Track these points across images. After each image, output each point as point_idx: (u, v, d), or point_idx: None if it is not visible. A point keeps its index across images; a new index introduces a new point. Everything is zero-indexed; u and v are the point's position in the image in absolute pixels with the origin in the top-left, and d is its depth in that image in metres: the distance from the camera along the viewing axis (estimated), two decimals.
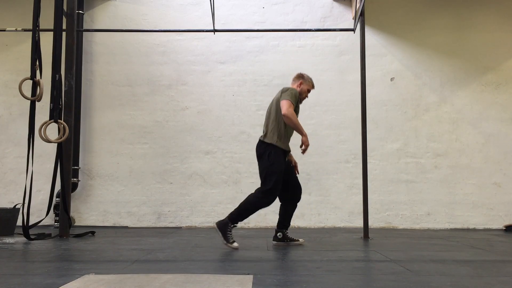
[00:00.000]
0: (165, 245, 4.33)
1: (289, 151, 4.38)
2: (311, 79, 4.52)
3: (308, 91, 4.50)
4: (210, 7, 6.12)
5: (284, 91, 4.27)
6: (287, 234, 4.43)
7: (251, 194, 4.16)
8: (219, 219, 4.18)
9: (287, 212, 4.42)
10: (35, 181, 5.46)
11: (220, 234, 4.07)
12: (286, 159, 4.35)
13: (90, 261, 3.38)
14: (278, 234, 4.40)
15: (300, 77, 4.49)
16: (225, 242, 4.05)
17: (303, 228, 6.39)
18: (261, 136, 4.30)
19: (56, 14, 4.96)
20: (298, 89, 4.41)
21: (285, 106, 4.13)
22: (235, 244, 4.04)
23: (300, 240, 4.48)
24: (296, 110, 4.26)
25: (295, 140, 4.42)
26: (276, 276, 2.76)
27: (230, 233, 4.08)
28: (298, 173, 4.50)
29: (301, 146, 4.24)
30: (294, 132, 4.32)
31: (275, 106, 4.29)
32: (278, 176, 4.12)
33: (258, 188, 4.17)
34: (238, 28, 6.58)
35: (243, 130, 6.66)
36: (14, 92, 5.88)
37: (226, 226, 4.07)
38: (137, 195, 6.59)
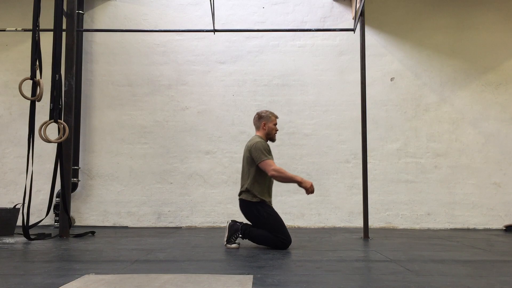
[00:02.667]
0: (165, 245, 4.33)
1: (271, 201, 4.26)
2: (270, 112, 4.33)
3: (275, 124, 4.32)
4: (210, 7, 6.12)
5: (251, 150, 4.11)
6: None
7: (273, 236, 4.04)
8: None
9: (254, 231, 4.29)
10: (35, 181, 5.47)
11: (227, 233, 4.11)
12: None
13: (90, 261, 3.38)
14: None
15: (260, 118, 4.30)
16: (226, 242, 4.08)
17: (303, 228, 6.39)
18: (239, 194, 4.21)
19: (56, 14, 4.96)
20: (265, 130, 4.27)
21: (268, 167, 4.01)
22: (234, 245, 4.08)
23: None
24: (271, 155, 4.15)
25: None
26: (276, 276, 2.76)
27: (235, 238, 4.11)
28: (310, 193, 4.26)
29: (308, 193, 4.08)
30: None
31: (245, 162, 4.18)
32: (281, 224, 4.07)
33: (273, 234, 4.06)
34: (238, 28, 6.59)
35: (243, 130, 6.66)
36: (14, 92, 5.88)
37: (236, 231, 4.10)
38: (137, 195, 6.60)
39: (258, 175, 4.12)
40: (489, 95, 6.71)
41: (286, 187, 6.24)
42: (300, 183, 4.03)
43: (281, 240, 4.02)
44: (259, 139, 4.21)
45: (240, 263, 3.26)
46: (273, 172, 4.01)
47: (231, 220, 4.24)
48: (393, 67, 6.77)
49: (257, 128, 4.35)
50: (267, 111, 4.36)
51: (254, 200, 4.10)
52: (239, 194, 4.25)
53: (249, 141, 4.29)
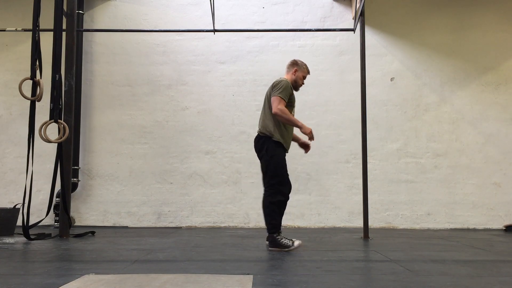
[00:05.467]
0: (165, 245, 4.33)
1: (288, 147, 4.24)
2: (306, 65, 4.38)
3: (304, 77, 4.37)
4: (210, 7, 6.12)
5: (274, 85, 4.15)
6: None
7: (265, 200, 4.03)
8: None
9: None
10: (35, 181, 5.46)
11: (279, 249, 3.90)
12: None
13: (90, 261, 3.38)
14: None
15: (294, 64, 4.35)
16: (287, 250, 3.89)
17: (303, 228, 6.39)
18: (261, 131, 4.19)
19: (56, 14, 4.95)
20: (294, 76, 4.30)
21: (274, 104, 4.04)
22: (297, 242, 3.92)
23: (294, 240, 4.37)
24: (292, 100, 4.18)
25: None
26: (276, 276, 2.76)
27: (282, 239, 3.94)
28: (309, 148, 4.36)
29: (309, 139, 4.14)
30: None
31: (267, 100, 4.20)
32: (282, 167, 4.05)
33: (265, 191, 4.06)
34: (238, 28, 6.58)
35: (243, 130, 6.66)
36: (14, 92, 5.87)
37: (275, 239, 3.94)
38: (137, 195, 6.60)
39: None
40: (489, 95, 6.71)
41: None
42: (300, 128, 4.09)
43: (278, 200, 3.95)
44: (285, 79, 4.23)
45: (240, 263, 3.26)
46: (277, 110, 4.02)
47: (267, 245, 4.06)
48: (393, 67, 6.77)
49: (287, 72, 4.38)
50: (303, 62, 4.40)
51: (273, 138, 4.07)
52: (259, 131, 4.21)
53: (275, 80, 4.28)
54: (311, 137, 4.13)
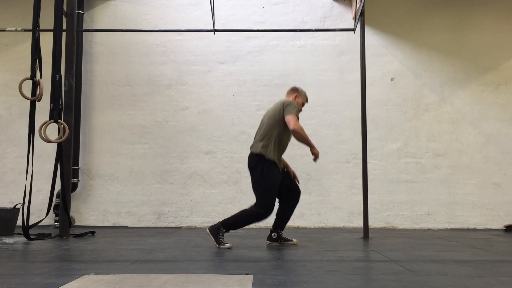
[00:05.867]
0: (165, 245, 4.33)
1: (281, 166, 4.29)
2: (305, 92, 4.51)
3: (303, 104, 4.47)
4: (210, 7, 6.12)
5: (286, 105, 4.19)
6: (282, 234, 4.42)
7: (248, 208, 4.14)
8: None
9: (284, 214, 4.40)
10: (35, 181, 5.46)
11: (212, 238, 4.08)
12: (281, 170, 4.30)
13: (90, 261, 3.38)
14: (272, 234, 4.39)
15: (295, 90, 4.48)
16: (217, 245, 4.06)
17: (303, 228, 6.39)
18: (252, 147, 4.25)
19: (56, 14, 4.95)
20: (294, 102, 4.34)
21: (292, 121, 4.09)
22: (228, 245, 4.07)
23: (294, 240, 4.46)
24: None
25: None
26: (276, 276, 2.76)
27: (222, 237, 4.09)
28: (298, 182, 4.46)
29: (314, 160, 4.32)
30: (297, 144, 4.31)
31: (272, 119, 4.21)
32: (273, 190, 4.11)
33: (254, 204, 4.13)
34: (238, 28, 6.58)
35: (243, 130, 6.66)
36: (14, 92, 5.87)
37: (218, 230, 4.09)
38: (137, 195, 6.60)
39: (279, 136, 4.18)
40: (489, 95, 6.71)
41: None
42: (312, 147, 4.23)
43: (259, 214, 4.06)
44: (293, 101, 4.29)
45: (240, 263, 3.26)
46: (295, 127, 4.08)
47: (208, 227, 4.19)
48: (393, 67, 6.77)
49: (287, 97, 4.47)
50: (303, 90, 4.51)
51: (268, 157, 4.11)
52: (251, 148, 4.26)
53: (280, 100, 4.32)
54: (316, 158, 4.32)
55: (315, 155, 4.29)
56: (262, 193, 4.09)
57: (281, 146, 4.26)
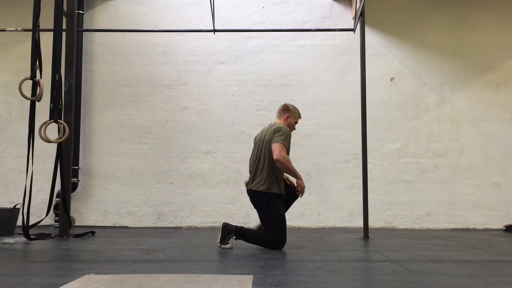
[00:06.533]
0: (165, 245, 4.33)
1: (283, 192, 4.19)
2: (297, 110, 4.32)
3: (296, 123, 4.32)
4: (210, 7, 6.12)
5: (276, 131, 4.03)
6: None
7: (268, 234, 4.04)
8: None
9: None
10: (35, 181, 5.46)
11: (220, 234, 4.07)
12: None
13: (90, 261, 3.38)
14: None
15: (286, 109, 4.28)
16: (219, 243, 4.05)
17: (303, 228, 6.39)
18: (251, 184, 4.10)
19: (56, 14, 4.95)
20: (286, 123, 4.21)
21: (277, 150, 3.93)
22: (229, 245, 4.05)
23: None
24: (288, 148, 4.07)
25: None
26: (276, 276, 2.76)
27: (229, 239, 4.07)
28: (301, 196, 4.26)
29: (296, 190, 4.13)
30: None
31: (267, 149, 4.05)
32: (282, 218, 4.04)
33: (270, 233, 4.04)
34: (238, 28, 6.59)
35: (243, 130, 6.66)
36: (14, 92, 5.88)
37: (230, 232, 4.05)
38: (137, 195, 6.60)
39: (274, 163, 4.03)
40: (489, 95, 6.71)
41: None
42: (298, 179, 4.07)
43: (276, 241, 4.01)
44: (287, 127, 4.13)
45: (240, 263, 3.26)
46: (279, 157, 3.92)
47: (224, 222, 4.18)
48: (393, 67, 6.77)
49: (279, 117, 4.30)
50: (294, 107, 4.33)
51: (271, 191, 4.01)
52: (250, 184, 4.13)
53: (271, 125, 4.21)
54: (301, 192, 4.12)
55: (301, 189, 4.09)
56: (272, 224, 4.03)
57: (282, 175, 4.16)
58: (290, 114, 4.27)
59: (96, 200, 6.60)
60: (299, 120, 4.41)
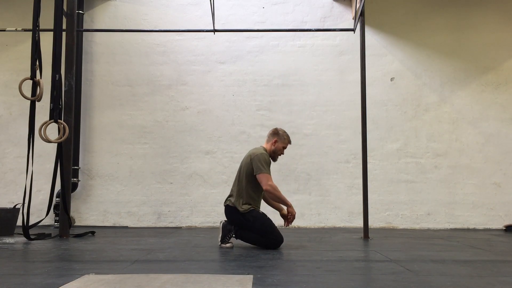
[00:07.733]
0: (165, 245, 4.33)
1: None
2: (287, 135, 4.34)
3: (284, 148, 4.34)
4: (210, 7, 6.12)
5: (253, 158, 4.12)
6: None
7: (264, 238, 4.09)
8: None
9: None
10: (35, 181, 5.46)
11: (220, 234, 4.15)
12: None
13: (90, 261, 3.38)
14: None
15: (275, 134, 4.32)
16: (220, 242, 4.13)
17: (303, 228, 6.39)
18: (231, 201, 4.16)
19: (56, 14, 4.95)
20: (273, 147, 4.27)
21: (264, 180, 4.04)
22: (229, 245, 4.12)
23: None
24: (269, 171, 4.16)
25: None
26: (276, 276, 2.76)
27: (229, 238, 4.16)
28: (289, 225, 4.31)
29: (287, 217, 4.19)
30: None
31: (244, 172, 4.16)
32: (268, 221, 4.09)
33: (264, 237, 4.10)
34: (238, 28, 6.59)
35: (243, 130, 6.66)
36: (14, 92, 5.87)
37: (229, 231, 4.15)
38: (137, 195, 6.60)
39: (253, 185, 4.14)
40: (489, 95, 6.71)
41: (286, 187, 6.25)
42: (289, 207, 4.15)
43: (271, 241, 4.06)
44: (263, 151, 4.22)
45: (240, 263, 3.26)
46: (268, 187, 4.05)
47: (224, 221, 4.25)
48: (393, 67, 6.77)
49: (267, 141, 4.36)
50: (284, 132, 4.36)
51: (241, 209, 4.10)
52: (226, 200, 4.25)
53: (253, 150, 4.30)
54: (291, 220, 4.19)
55: (292, 216, 4.17)
56: (263, 229, 4.07)
57: (257, 193, 4.20)
58: (278, 138, 4.31)
59: (96, 200, 6.60)
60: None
